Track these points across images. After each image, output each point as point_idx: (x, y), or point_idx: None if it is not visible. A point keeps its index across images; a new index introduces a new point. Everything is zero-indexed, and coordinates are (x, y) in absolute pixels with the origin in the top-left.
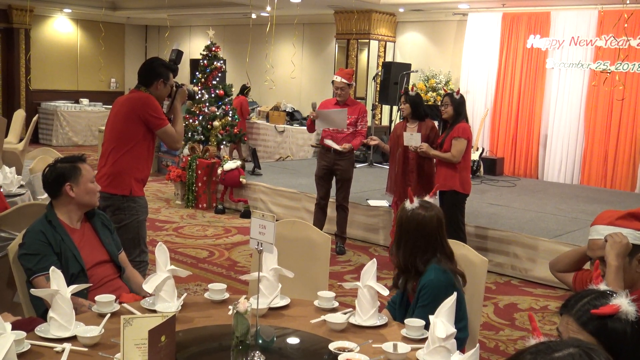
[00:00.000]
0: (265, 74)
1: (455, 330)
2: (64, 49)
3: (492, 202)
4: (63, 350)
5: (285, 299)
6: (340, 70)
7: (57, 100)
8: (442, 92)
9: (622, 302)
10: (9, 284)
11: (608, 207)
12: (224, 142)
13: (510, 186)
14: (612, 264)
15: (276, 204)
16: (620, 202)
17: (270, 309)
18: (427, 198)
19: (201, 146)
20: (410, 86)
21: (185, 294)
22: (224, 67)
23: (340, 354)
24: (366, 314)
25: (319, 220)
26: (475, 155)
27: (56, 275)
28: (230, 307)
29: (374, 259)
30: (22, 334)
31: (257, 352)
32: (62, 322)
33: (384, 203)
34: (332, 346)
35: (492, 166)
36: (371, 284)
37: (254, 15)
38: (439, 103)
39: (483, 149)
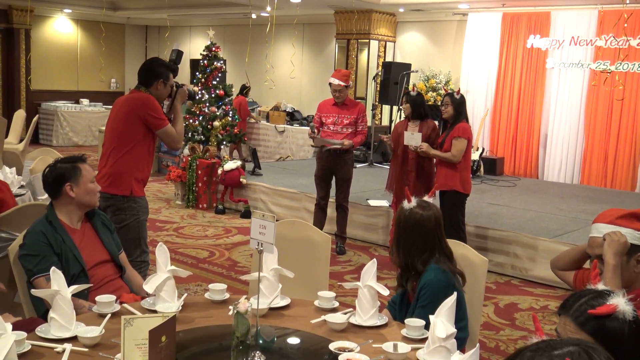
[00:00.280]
0: (265, 74)
1: (455, 330)
2: (64, 49)
3: (492, 201)
4: (64, 351)
5: (285, 299)
6: (337, 72)
7: (58, 101)
8: (442, 92)
9: (619, 302)
10: (10, 285)
11: (608, 206)
12: (224, 142)
13: (511, 186)
14: (610, 263)
15: (276, 204)
16: (621, 201)
17: (271, 309)
18: (425, 198)
19: (201, 146)
20: (411, 86)
21: (186, 294)
22: (224, 67)
23: (340, 354)
24: (366, 314)
25: (319, 220)
26: (475, 155)
27: (56, 276)
28: (231, 307)
29: (374, 259)
30: (23, 334)
31: (258, 352)
32: (62, 322)
33: (384, 203)
34: (332, 346)
35: (492, 166)
36: (371, 284)
37: (254, 16)
38: (439, 103)
39: (483, 149)
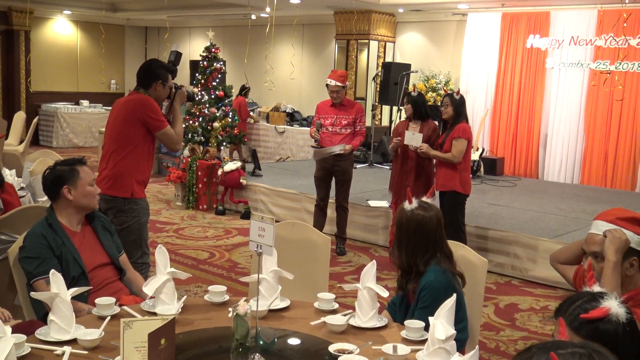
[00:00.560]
0: (264, 75)
1: (455, 331)
2: (64, 51)
3: (492, 202)
4: (63, 354)
5: (285, 300)
6: (333, 72)
7: (57, 102)
8: (442, 92)
9: (612, 305)
10: (9, 287)
11: (609, 206)
12: (224, 144)
13: (511, 186)
14: (611, 259)
15: (276, 204)
16: (621, 201)
17: (270, 310)
18: (424, 199)
19: (201, 147)
20: (411, 87)
21: (185, 296)
22: (223, 68)
23: (340, 355)
24: (366, 315)
25: (319, 221)
26: (475, 155)
27: (56, 279)
28: (230, 309)
29: (374, 261)
30: (22, 337)
31: (257, 354)
32: (62, 325)
33: (384, 203)
34: (332, 348)
35: (492, 166)
36: (371, 285)
37: (253, 16)
38: (439, 103)
39: (483, 149)
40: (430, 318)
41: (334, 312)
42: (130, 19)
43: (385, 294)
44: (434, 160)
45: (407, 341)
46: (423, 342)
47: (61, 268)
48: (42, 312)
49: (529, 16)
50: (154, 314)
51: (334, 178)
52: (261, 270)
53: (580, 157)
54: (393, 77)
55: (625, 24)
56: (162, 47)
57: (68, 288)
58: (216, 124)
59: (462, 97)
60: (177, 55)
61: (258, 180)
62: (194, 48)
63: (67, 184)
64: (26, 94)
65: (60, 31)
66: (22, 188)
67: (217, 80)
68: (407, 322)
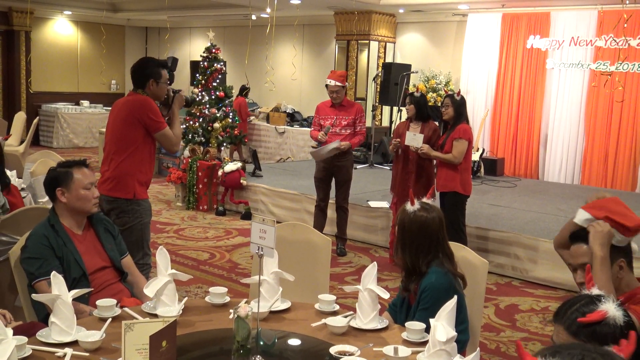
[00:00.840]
0: (265, 76)
1: (456, 333)
2: (64, 51)
3: (492, 202)
4: (64, 355)
5: (286, 302)
6: (333, 73)
7: (58, 102)
8: (442, 92)
9: (609, 308)
10: (10, 288)
11: None
12: (225, 144)
13: (511, 187)
14: (598, 254)
15: (277, 205)
16: None
17: (271, 312)
18: (424, 200)
19: (202, 148)
20: (412, 87)
21: (186, 298)
22: (224, 68)
23: (341, 357)
24: (367, 317)
25: (319, 222)
26: (475, 156)
27: (57, 280)
28: (231, 311)
29: (375, 262)
30: (24, 339)
31: (258, 356)
32: (63, 327)
33: (385, 204)
34: (333, 350)
35: (492, 166)
36: (372, 287)
37: (253, 17)
38: (440, 104)
39: (483, 150)
40: (431, 320)
41: (334, 313)
42: (131, 20)
43: (386, 295)
44: (435, 161)
45: (408, 343)
46: (424, 343)
47: (62, 269)
48: (43, 314)
49: (529, 17)
50: (155, 315)
51: (334, 179)
52: (262, 271)
53: (581, 158)
54: (393, 77)
55: (625, 25)
56: (162, 48)
57: (69, 290)
58: (216, 125)
59: (462, 98)
60: (174, 61)
61: (258, 181)
62: (194, 48)
63: (60, 186)
64: (26, 94)
65: (60, 31)
66: (22, 189)
67: (218, 80)
68: (408, 324)
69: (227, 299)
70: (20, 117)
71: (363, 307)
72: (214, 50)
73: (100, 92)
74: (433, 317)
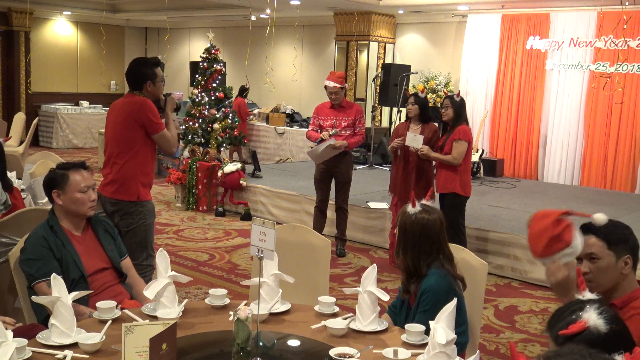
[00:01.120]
0: (265, 76)
1: (456, 336)
2: (63, 52)
3: (492, 203)
4: (64, 358)
5: (285, 304)
6: (332, 74)
7: (57, 103)
8: (441, 93)
9: (590, 317)
10: (10, 290)
11: (608, 208)
12: (224, 145)
13: (510, 187)
14: (564, 296)
15: (276, 206)
16: (620, 203)
17: (271, 314)
18: (424, 201)
19: (201, 149)
20: (411, 88)
21: (186, 300)
22: (223, 69)
23: None
24: (367, 319)
25: (319, 223)
26: (475, 157)
27: (57, 282)
28: (231, 313)
29: (374, 265)
30: (24, 341)
31: (258, 358)
32: (63, 329)
33: (384, 205)
34: (332, 352)
35: (492, 167)
36: (371, 289)
37: (253, 17)
38: (439, 105)
39: (483, 151)
40: (430, 322)
41: (334, 315)
42: (130, 20)
43: (385, 297)
44: (434, 162)
45: (407, 345)
46: (423, 346)
47: (61, 270)
48: (43, 315)
49: (528, 18)
50: (155, 317)
51: (333, 180)
52: (262, 273)
53: (580, 159)
54: (393, 78)
55: (625, 26)
56: (162, 48)
57: (69, 291)
58: (216, 125)
59: (462, 99)
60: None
61: (258, 182)
62: (194, 49)
63: (56, 188)
64: (26, 94)
65: (60, 32)
66: (22, 190)
67: (217, 81)
68: (407, 326)
69: (227, 300)
70: (19, 118)
71: (363, 309)
72: (213, 51)
73: (99, 93)
74: (433, 319)
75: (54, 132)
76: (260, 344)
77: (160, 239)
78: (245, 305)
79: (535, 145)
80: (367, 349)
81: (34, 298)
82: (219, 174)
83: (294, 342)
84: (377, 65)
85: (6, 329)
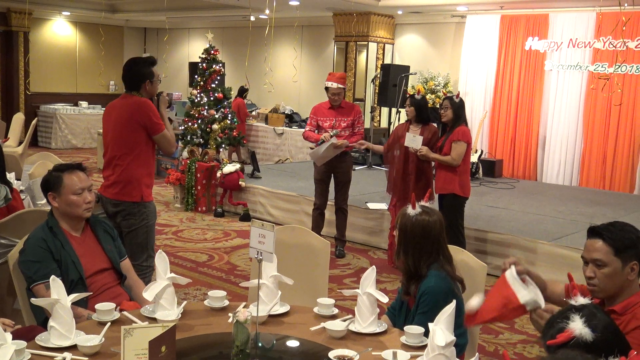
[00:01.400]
0: (264, 77)
1: (455, 338)
2: (62, 52)
3: (491, 204)
4: None
5: (285, 306)
6: (332, 75)
7: (56, 103)
8: (440, 94)
9: (576, 327)
10: (9, 291)
11: (607, 208)
12: (223, 145)
13: (509, 188)
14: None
15: (275, 207)
16: (619, 203)
17: (270, 316)
18: (423, 202)
19: (200, 149)
20: (410, 89)
21: (185, 302)
22: (222, 70)
23: None
24: (366, 321)
25: (318, 224)
26: (474, 157)
27: (56, 284)
28: (230, 314)
29: (374, 266)
30: (23, 343)
31: None
32: (62, 331)
33: (383, 206)
34: (331, 354)
35: (491, 168)
36: (370, 291)
37: (252, 18)
38: (438, 106)
39: (482, 151)
40: (430, 324)
41: (333, 317)
42: (130, 20)
43: (384, 299)
44: (433, 163)
45: (406, 347)
46: (423, 348)
47: (60, 271)
48: (42, 317)
49: (527, 18)
50: (154, 319)
51: (333, 180)
52: (261, 275)
53: (579, 159)
54: (392, 79)
55: (624, 28)
56: (161, 48)
57: (68, 292)
58: (215, 126)
59: (461, 100)
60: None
61: (257, 182)
62: (193, 50)
63: (51, 190)
64: (25, 95)
65: (59, 32)
66: (21, 191)
67: (216, 82)
68: (406, 328)
69: (226, 302)
70: (18, 118)
71: (362, 311)
72: (212, 52)
73: (98, 93)
74: (432, 320)
75: (52, 132)
76: (260, 345)
77: (159, 240)
78: (244, 307)
79: (534, 145)
80: (366, 350)
81: (33, 300)
82: (218, 174)
83: (293, 344)
84: (376, 65)
85: (5, 331)
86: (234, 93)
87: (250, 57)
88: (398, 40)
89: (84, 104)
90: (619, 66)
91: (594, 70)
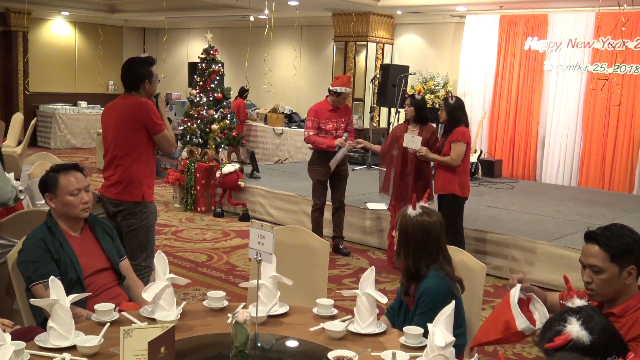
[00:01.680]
0: (263, 77)
1: (454, 338)
2: (62, 52)
3: (490, 204)
4: None
5: (284, 306)
6: (339, 79)
7: (55, 103)
8: (440, 94)
9: (573, 330)
10: (8, 292)
11: (606, 209)
12: (223, 145)
13: (509, 188)
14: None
15: (274, 207)
16: (618, 204)
17: (269, 316)
18: (421, 203)
19: (200, 149)
20: (409, 89)
21: (185, 302)
22: (222, 70)
23: None
24: (365, 321)
25: (318, 224)
26: (473, 157)
27: (55, 285)
28: (230, 315)
29: (373, 267)
30: (22, 344)
31: None
32: (61, 331)
33: (383, 206)
34: (331, 354)
35: (490, 168)
36: (370, 291)
37: (252, 18)
38: (438, 106)
39: (481, 151)
40: (429, 325)
41: (332, 317)
42: (129, 20)
43: (384, 300)
44: (432, 164)
45: (406, 347)
46: (422, 348)
47: (59, 272)
48: (41, 317)
49: (527, 18)
50: (153, 320)
51: (330, 179)
52: (260, 276)
53: (578, 159)
54: (391, 79)
55: (623, 28)
56: (160, 49)
57: (67, 292)
58: (214, 126)
59: (458, 101)
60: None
61: (256, 182)
62: (192, 50)
63: (48, 191)
64: (24, 95)
65: (58, 32)
66: (20, 191)
67: (216, 82)
68: (406, 329)
69: (225, 303)
70: (17, 118)
71: (361, 312)
72: (212, 52)
73: (97, 93)
74: (431, 321)
75: (52, 132)
76: (259, 345)
77: (159, 240)
78: (243, 307)
79: (534, 146)
80: (365, 351)
81: (32, 301)
82: (217, 174)
83: (292, 344)
84: (376, 65)
85: (4, 331)
86: (233, 93)
87: (249, 57)
88: (397, 40)
89: (83, 104)
90: (618, 66)
91: (593, 70)
